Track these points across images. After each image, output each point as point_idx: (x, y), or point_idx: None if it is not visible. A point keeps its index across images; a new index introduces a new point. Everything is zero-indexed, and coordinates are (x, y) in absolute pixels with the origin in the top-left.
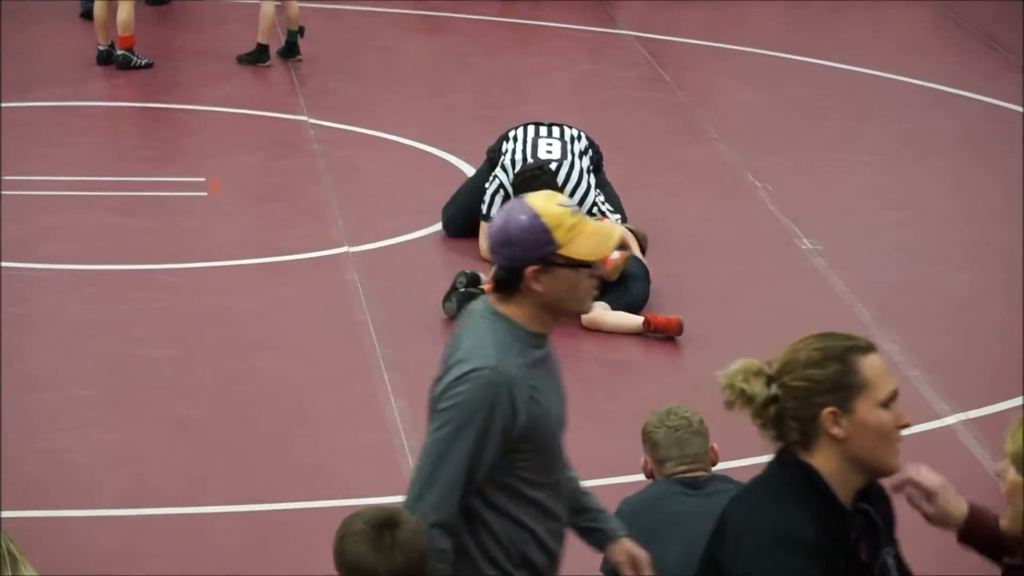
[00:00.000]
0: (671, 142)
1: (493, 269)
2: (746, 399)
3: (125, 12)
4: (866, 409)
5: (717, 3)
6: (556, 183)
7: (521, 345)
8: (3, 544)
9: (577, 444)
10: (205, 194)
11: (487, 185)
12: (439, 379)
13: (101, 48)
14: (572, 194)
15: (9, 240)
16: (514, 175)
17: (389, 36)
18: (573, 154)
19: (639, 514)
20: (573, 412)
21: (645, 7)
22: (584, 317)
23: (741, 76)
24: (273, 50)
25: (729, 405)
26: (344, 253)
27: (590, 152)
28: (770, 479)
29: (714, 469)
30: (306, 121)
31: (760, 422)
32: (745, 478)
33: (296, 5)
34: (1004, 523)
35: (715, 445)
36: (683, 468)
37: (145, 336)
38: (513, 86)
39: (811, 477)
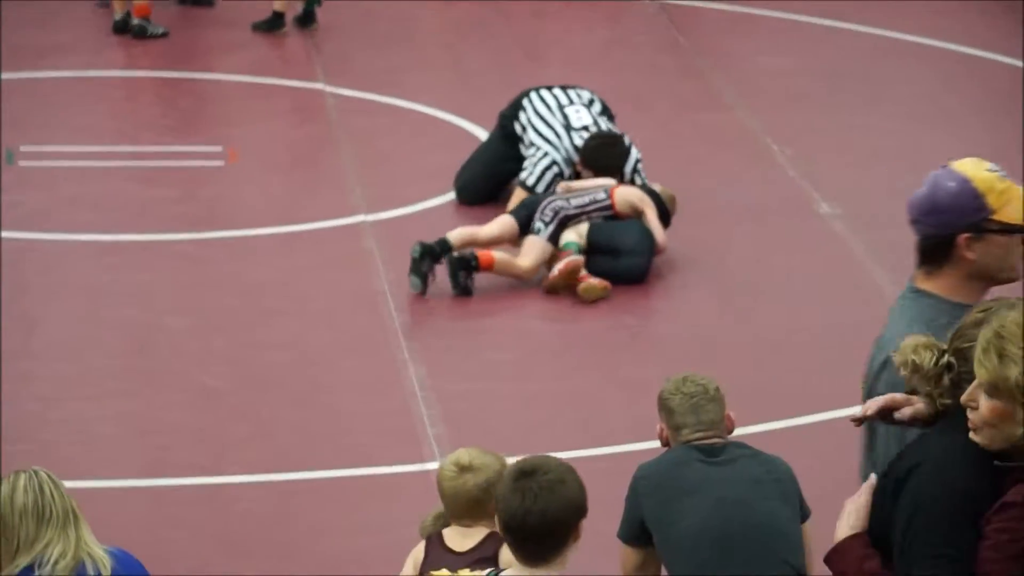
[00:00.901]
0: (689, 107)
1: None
2: (914, 368)
3: None
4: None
5: None
6: (628, 152)
7: (948, 318)
8: (69, 503)
9: (597, 409)
10: (223, 163)
11: (532, 159)
12: (869, 362)
13: (117, 18)
14: None
15: (30, 211)
16: (584, 146)
17: (406, 4)
18: (598, 116)
19: (656, 480)
20: (593, 378)
21: None
22: (499, 260)
23: (760, 40)
24: (289, 17)
25: (907, 382)
26: (362, 222)
27: (605, 115)
28: (955, 424)
29: (730, 437)
30: (323, 89)
31: (937, 392)
32: (761, 446)
33: None
34: (978, 440)
35: (731, 413)
36: (699, 435)
37: (166, 305)
38: (531, 53)
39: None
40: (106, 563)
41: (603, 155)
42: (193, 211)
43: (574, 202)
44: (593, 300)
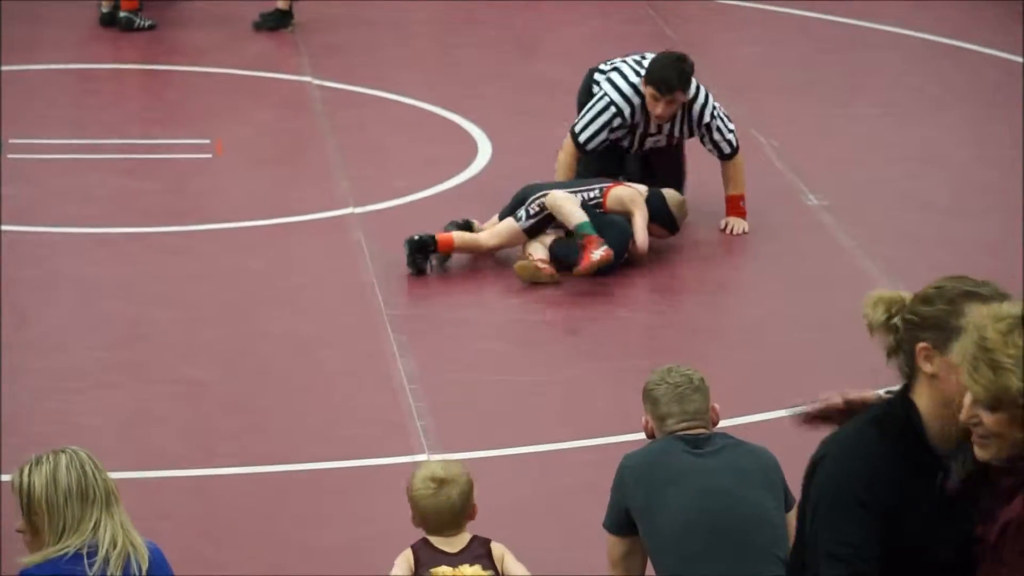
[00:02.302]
0: None
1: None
2: (867, 325)
3: None
4: (960, 357)
5: None
6: (689, 76)
7: None
8: (111, 484)
9: (586, 401)
10: (211, 156)
11: (591, 104)
12: None
13: (104, 10)
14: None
15: (18, 203)
16: (650, 63)
17: None
18: None
19: (642, 470)
20: (582, 370)
21: None
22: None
23: (746, 31)
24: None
25: (869, 331)
26: (350, 214)
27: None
28: (871, 411)
29: (715, 428)
30: (311, 82)
31: (887, 351)
32: (748, 437)
33: None
34: (985, 456)
35: (716, 405)
36: (684, 425)
37: (154, 298)
38: (520, 45)
39: (906, 410)
40: (145, 556)
41: (662, 67)
42: (181, 204)
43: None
44: (528, 281)
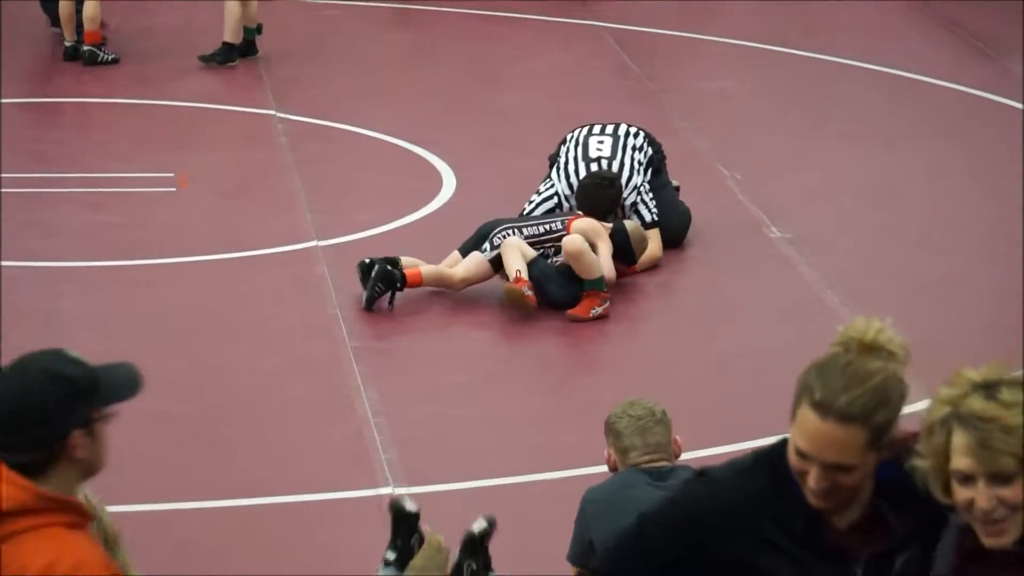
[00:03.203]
0: None
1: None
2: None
3: (92, 9)
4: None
5: None
6: (618, 196)
7: None
8: (111, 526)
9: (551, 433)
10: (175, 189)
11: (540, 187)
12: None
13: (68, 44)
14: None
15: None
16: (578, 184)
17: (357, 28)
18: (625, 150)
19: (604, 503)
20: (547, 402)
21: None
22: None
23: (709, 65)
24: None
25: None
26: (314, 247)
27: (647, 150)
28: (749, 454)
29: (678, 461)
30: (274, 115)
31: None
32: None
33: (256, 4)
34: (1005, 541)
35: (678, 437)
36: (647, 457)
37: (118, 331)
38: (483, 77)
39: (778, 451)
40: None
41: (589, 196)
42: (144, 237)
43: (527, 231)
44: (512, 303)
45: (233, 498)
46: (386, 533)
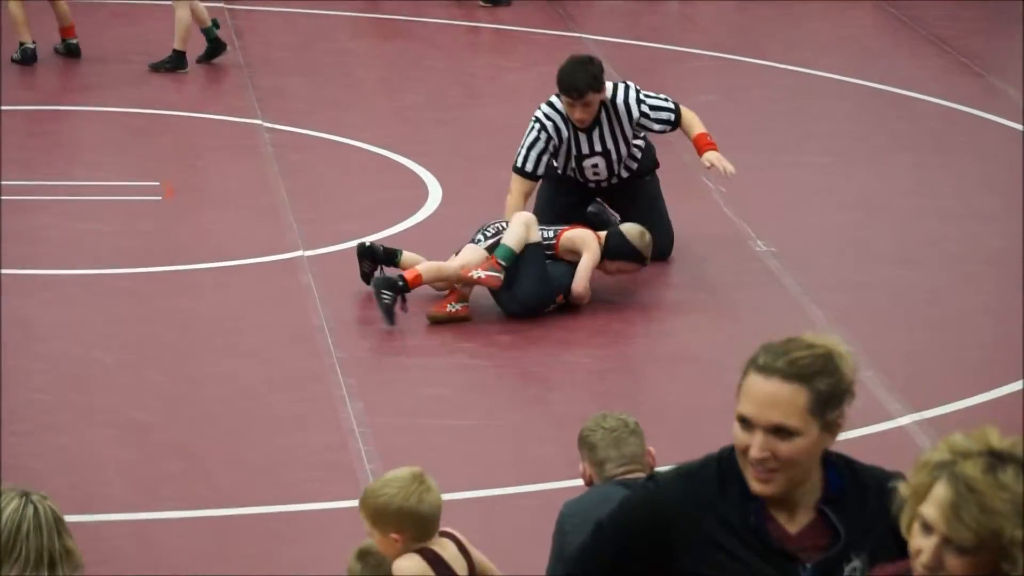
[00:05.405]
0: None
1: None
2: None
3: (63, 8)
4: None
5: (669, 4)
6: (598, 77)
7: None
8: (53, 511)
9: (532, 445)
10: (160, 198)
11: (526, 134)
12: None
13: (58, 47)
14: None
15: None
16: (558, 73)
17: (343, 39)
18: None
19: (581, 516)
20: (528, 414)
21: (601, 10)
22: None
23: (693, 79)
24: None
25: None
26: (299, 257)
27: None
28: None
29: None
30: (260, 124)
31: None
32: None
33: (201, 4)
34: None
35: (651, 449)
36: (622, 469)
37: (100, 340)
38: (468, 88)
39: (726, 453)
40: None
41: (570, 73)
42: (129, 246)
43: None
44: (437, 322)
45: (216, 507)
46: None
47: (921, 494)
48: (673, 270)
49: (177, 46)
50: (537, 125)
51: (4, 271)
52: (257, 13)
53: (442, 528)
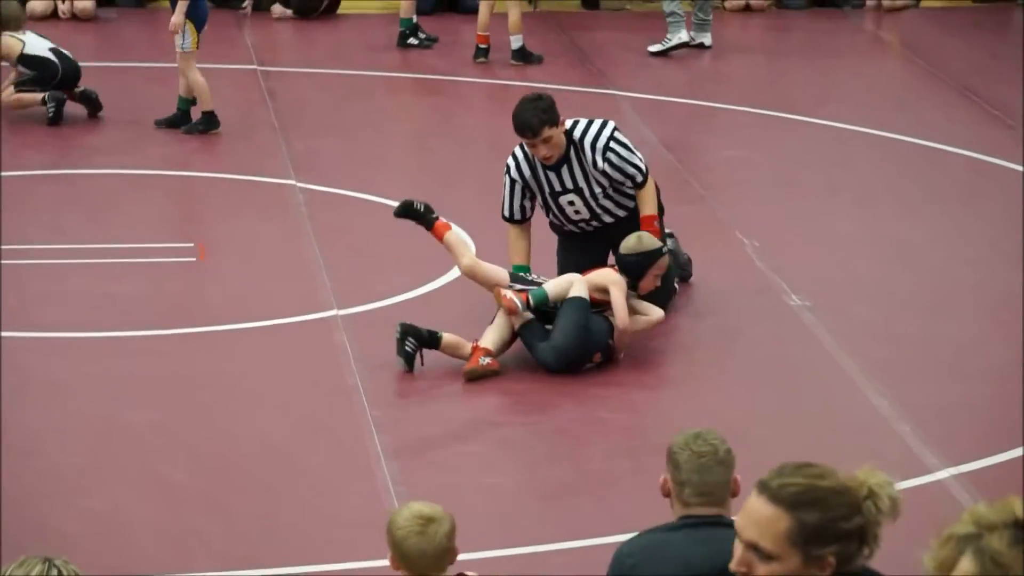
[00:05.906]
0: None
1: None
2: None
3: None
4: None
5: (700, 61)
6: (549, 112)
7: None
8: (77, 575)
9: (567, 503)
10: (194, 259)
11: (503, 188)
12: None
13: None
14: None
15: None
16: (512, 117)
17: (375, 97)
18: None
19: (640, 556)
20: (562, 472)
21: (632, 66)
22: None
23: (725, 133)
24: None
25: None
26: (333, 316)
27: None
28: None
29: (734, 501)
30: (294, 184)
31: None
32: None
33: (201, 79)
34: None
35: (738, 476)
36: (698, 499)
37: (133, 400)
38: (496, 145)
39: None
40: None
41: (518, 114)
42: (163, 307)
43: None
44: (474, 380)
45: (250, 567)
46: None
47: (947, 568)
48: (708, 324)
49: (205, 108)
50: (506, 172)
51: (40, 334)
52: (290, 74)
53: (464, 572)
